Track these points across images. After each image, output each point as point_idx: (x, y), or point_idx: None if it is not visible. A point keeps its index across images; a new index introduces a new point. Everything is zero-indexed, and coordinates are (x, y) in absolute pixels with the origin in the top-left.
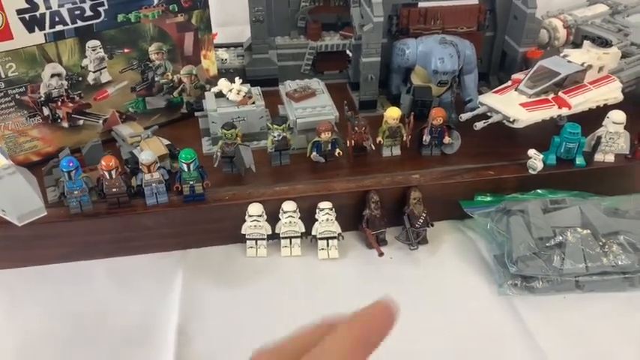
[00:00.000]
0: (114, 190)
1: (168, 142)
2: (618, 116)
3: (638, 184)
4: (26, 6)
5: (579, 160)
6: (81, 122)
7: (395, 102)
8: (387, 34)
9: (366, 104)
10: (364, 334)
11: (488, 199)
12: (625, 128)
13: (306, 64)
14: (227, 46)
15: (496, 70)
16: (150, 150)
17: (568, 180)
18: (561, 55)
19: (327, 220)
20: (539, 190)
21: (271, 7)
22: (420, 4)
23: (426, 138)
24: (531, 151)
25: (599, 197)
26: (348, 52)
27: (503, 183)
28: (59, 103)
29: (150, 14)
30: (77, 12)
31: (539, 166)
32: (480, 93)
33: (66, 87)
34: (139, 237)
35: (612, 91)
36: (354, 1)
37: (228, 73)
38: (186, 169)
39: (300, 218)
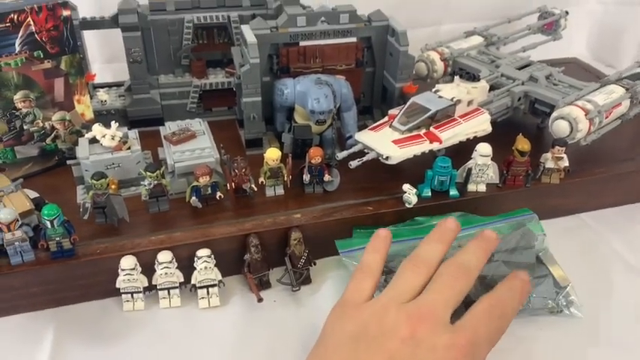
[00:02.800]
0: None
1: (36, 195)
2: (484, 149)
3: (510, 209)
4: None
5: (452, 192)
6: None
7: (282, 138)
8: (270, 73)
9: (252, 142)
10: None
11: (364, 234)
12: (496, 158)
13: (192, 102)
14: (108, 85)
15: (379, 103)
16: (11, 207)
17: (444, 210)
18: (433, 90)
19: (206, 268)
20: (418, 218)
21: (152, 45)
22: (300, 43)
23: (306, 177)
24: (405, 186)
25: (480, 218)
26: (234, 88)
27: (382, 217)
28: None
29: (12, 62)
30: None
31: (414, 200)
32: (365, 126)
33: None
34: (5, 298)
35: (481, 124)
36: (238, 38)
37: (109, 115)
38: (49, 226)
39: (177, 268)
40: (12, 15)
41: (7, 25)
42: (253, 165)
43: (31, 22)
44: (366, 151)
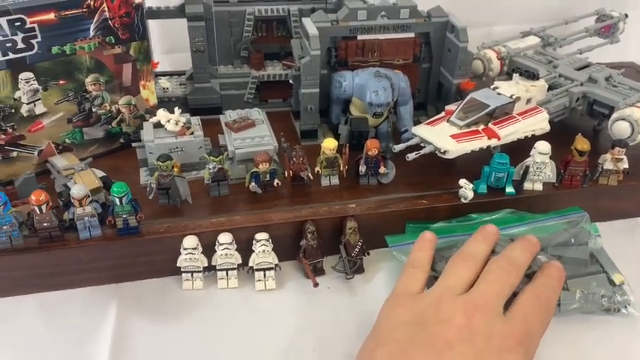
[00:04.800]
0: (45, 224)
1: (103, 174)
2: (544, 147)
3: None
4: None
5: (509, 189)
6: (15, 154)
7: (336, 131)
8: (327, 66)
9: (307, 134)
10: None
11: (416, 229)
12: (552, 157)
13: (249, 93)
14: (169, 74)
15: (433, 100)
16: (82, 183)
17: (499, 208)
18: (492, 87)
19: (264, 251)
20: (472, 214)
21: (213, 36)
22: (358, 37)
23: (362, 168)
24: (462, 181)
25: (532, 215)
26: (290, 81)
27: (436, 211)
28: None
29: (86, 46)
30: (9, 44)
31: (470, 195)
32: (418, 122)
33: None
34: (72, 271)
35: (540, 122)
36: (296, 32)
37: (170, 102)
38: (118, 203)
39: (236, 250)
40: (89, 1)
41: (84, 10)
42: (307, 156)
43: (106, 9)
44: (422, 145)
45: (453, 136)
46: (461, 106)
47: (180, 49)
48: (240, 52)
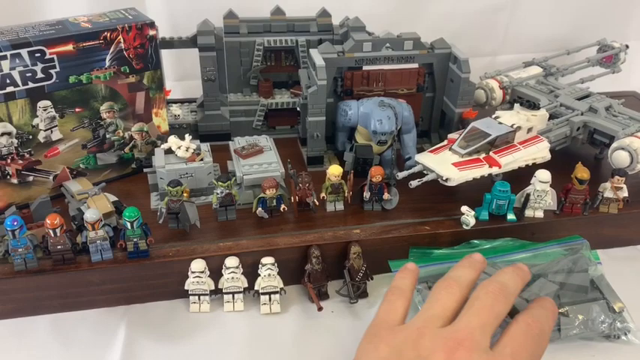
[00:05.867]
0: (58, 247)
1: (115, 199)
2: (544, 176)
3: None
4: None
5: (510, 216)
6: (31, 178)
7: (341, 157)
8: (333, 94)
9: (314, 160)
10: None
11: (420, 254)
12: (553, 185)
13: (258, 120)
14: (180, 101)
15: (437, 128)
16: (95, 208)
17: (500, 234)
18: (493, 116)
19: (269, 275)
20: (474, 241)
21: (224, 65)
22: (364, 68)
23: (366, 194)
24: (464, 208)
25: (532, 243)
26: (298, 108)
27: (438, 237)
28: (9, 161)
29: (102, 76)
30: (28, 74)
31: (472, 222)
32: (422, 149)
33: (16, 145)
34: (84, 293)
35: (541, 151)
36: (304, 62)
37: (181, 129)
38: (129, 227)
39: (242, 273)
40: (106, 33)
41: (101, 42)
42: (313, 181)
43: (121, 40)
44: (425, 172)
45: (455, 164)
46: (463, 134)
47: (190, 77)
48: (249, 81)
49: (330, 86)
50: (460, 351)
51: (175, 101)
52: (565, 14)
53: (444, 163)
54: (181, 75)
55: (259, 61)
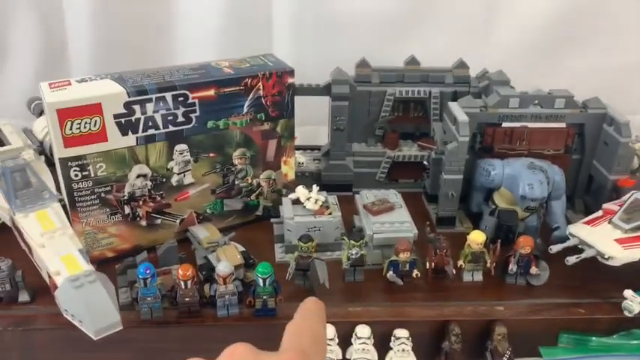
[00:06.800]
0: (187, 299)
1: (243, 249)
2: None
3: None
4: (124, 111)
5: None
6: (159, 221)
7: (474, 218)
8: (470, 151)
9: (445, 220)
10: None
11: (572, 341)
12: None
13: (382, 172)
14: (304, 148)
15: (582, 193)
16: (226, 260)
17: None
18: None
19: (404, 350)
20: (638, 331)
21: (351, 115)
22: (506, 124)
23: (513, 267)
24: (627, 292)
25: None
26: (425, 162)
27: (595, 323)
28: (141, 203)
29: (238, 122)
30: (170, 118)
31: (637, 309)
32: (565, 216)
33: (149, 187)
34: (205, 349)
35: None
36: (435, 113)
37: (303, 177)
38: (261, 284)
39: (373, 345)
40: (247, 79)
41: (242, 88)
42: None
43: (261, 87)
44: (580, 246)
45: (618, 241)
46: (624, 206)
47: (310, 122)
48: (375, 131)
49: (469, 142)
50: None
51: (299, 148)
52: None
53: (605, 239)
54: (301, 120)
55: (388, 111)
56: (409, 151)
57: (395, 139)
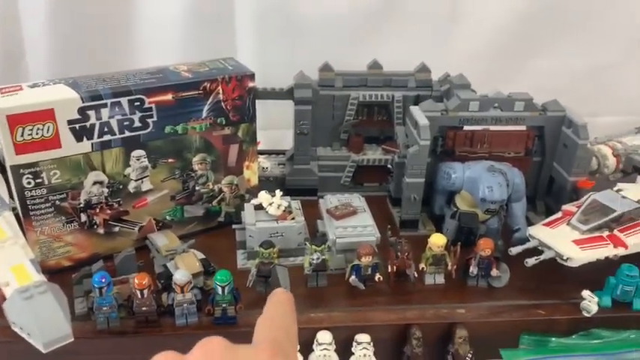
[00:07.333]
0: (144, 308)
1: (203, 257)
2: None
3: None
4: (78, 117)
5: (637, 304)
6: (117, 229)
7: (437, 221)
8: (432, 154)
9: (408, 223)
10: None
11: (533, 343)
12: None
13: (347, 176)
14: (268, 153)
15: (543, 195)
16: (184, 268)
17: (625, 323)
18: (615, 189)
19: (365, 355)
20: (596, 330)
21: (315, 119)
22: (467, 128)
23: (473, 270)
24: (585, 293)
25: None
26: (389, 166)
27: (555, 324)
28: (97, 210)
29: (197, 126)
30: (126, 123)
31: (594, 309)
32: (526, 218)
33: (106, 194)
34: None
35: None
36: (398, 117)
37: (267, 182)
38: (220, 292)
39: (335, 350)
40: (206, 83)
41: (200, 92)
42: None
43: (220, 91)
44: (540, 248)
45: (576, 242)
46: (582, 208)
47: (275, 126)
48: (340, 135)
49: (430, 145)
50: None
51: (263, 152)
52: None
53: (564, 240)
54: (266, 124)
55: (352, 115)
56: (374, 154)
57: (359, 142)
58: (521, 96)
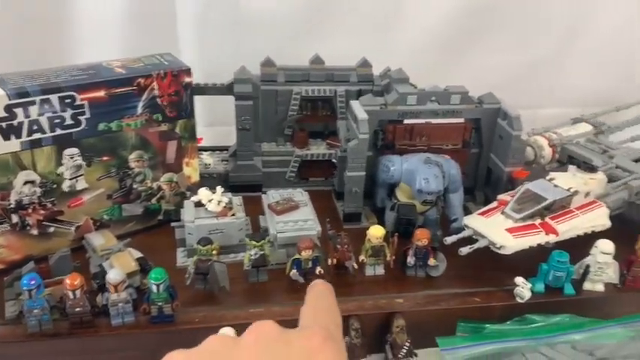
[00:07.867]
0: (77, 309)
1: (140, 256)
2: (607, 246)
3: (629, 312)
4: (4, 115)
5: (568, 289)
6: (51, 230)
7: (380, 214)
8: (373, 148)
9: (351, 217)
10: None
11: (469, 329)
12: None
13: (291, 171)
14: (212, 149)
15: (482, 185)
16: (118, 267)
17: (557, 308)
18: (547, 178)
19: None
20: (529, 315)
21: (258, 114)
22: (407, 121)
23: (411, 260)
24: (519, 279)
25: (593, 320)
26: (333, 160)
27: (490, 310)
28: (30, 211)
29: (132, 123)
30: (57, 121)
31: (527, 295)
32: (466, 208)
33: (39, 194)
34: (102, 359)
35: (600, 218)
36: (341, 112)
37: (211, 178)
38: (155, 290)
39: None
40: (140, 79)
41: (134, 88)
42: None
43: (155, 87)
44: (475, 237)
45: (509, 230)
46: (516, 197)
47: (221, 123)
48: (284, 130)
49: (370, 139)
50: None
51: (206, 149)
52: (612, 68)
53: (497, 229)
54: (211, 121)
55: (296, 110)
56: (318, 149)
57: (304, 137)
58: (457, 89)
